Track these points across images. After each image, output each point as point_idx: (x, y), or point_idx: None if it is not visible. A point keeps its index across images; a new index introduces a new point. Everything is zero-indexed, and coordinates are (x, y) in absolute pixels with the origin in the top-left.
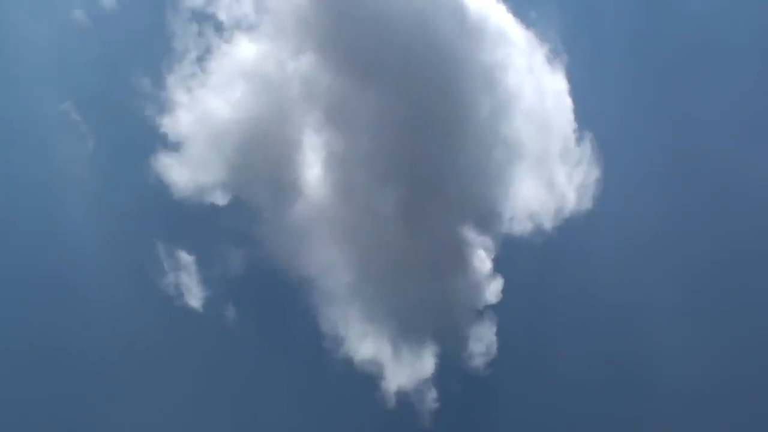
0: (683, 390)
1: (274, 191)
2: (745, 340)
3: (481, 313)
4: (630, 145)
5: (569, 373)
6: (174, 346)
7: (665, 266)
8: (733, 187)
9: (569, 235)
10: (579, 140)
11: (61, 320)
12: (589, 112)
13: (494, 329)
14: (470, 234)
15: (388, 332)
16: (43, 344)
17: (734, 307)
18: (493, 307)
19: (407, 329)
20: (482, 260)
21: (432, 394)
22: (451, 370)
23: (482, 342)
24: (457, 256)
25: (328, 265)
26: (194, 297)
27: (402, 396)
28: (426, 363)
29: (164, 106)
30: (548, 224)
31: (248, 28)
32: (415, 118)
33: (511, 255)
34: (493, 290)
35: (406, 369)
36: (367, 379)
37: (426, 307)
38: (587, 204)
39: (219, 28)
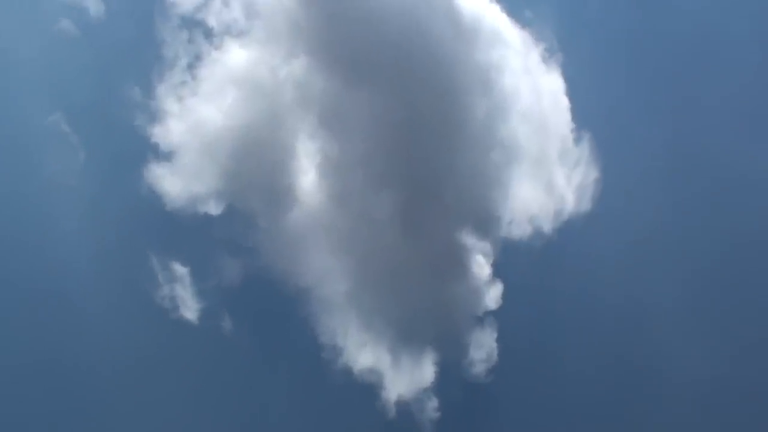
0: (689, 394)
1: (268, 199)
2: (749, 338)
3: (481, 319)
4: (628, 144)
5: (572, 379)
6: (170, 359)
7: (668, 266)
8: (734, 183)
9: (569, 237)
10: (577, 140)
11: (55, 337)
12: (586, 111)
13: (495, 335)
14: (468, 239)
15: (387, 341)
16: (37, 362)
17: (737, 305)
18: (493, 313)
19: (406, 337)
20: (481, 265)
21: (433, 403)
22: (451, 378)
23: (483, 349)
24: (456, 262)
25: (325, 273)
26: (190, 309)
27: (402, 405)
28: (426, 371)
29: (155, 115)
30: (547, 227)
31: (239, 33)
32: (411, 122)
33: (511, 259)
34: (492, 296)
35: (405, 378)
36: (367, 389)
37: (425, 315)
38: (587, 205)
39: (209, 34)
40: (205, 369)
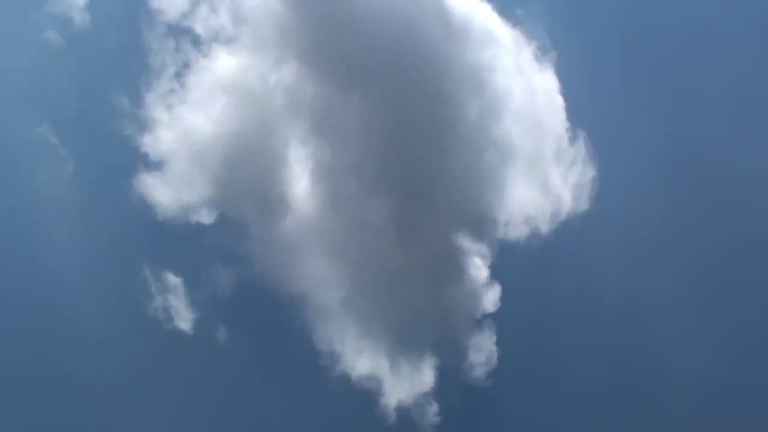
0: (689, 394)
1: (261, 206)
2: (748, 336)
3: (479, 322)
4: (624, 141)
5: (573, 380)
6: (165, 371)
7: (667, 264)
8: (731, 180)
9: (567, 237)
10: (572, 139)
11: (48, 351)
12: (581, 110)
13: (494, 338)
14: (465, 241)
15: (384, 346)
16: (31, 376)
17: (736, 303)
18: (491, 316)
19: (404, 342)
20: (478, 268)
21: (433, 408)
22: (451, 382)
23: (482, 352)
24: (453, 265)
25: (321, 279)
26: (184, 320)
27: (402, 411)
28: (425, 376)
29: (144, 125)
30: (545, 227)
31: (226, 40)
32: (403, 124)
33: (508, 261)
34: (490, 298)
35: (405, 383)
36: (366, 396)
37: (423, 319)
38: (584, 205)
39: (196, 42)
40: (201, 380)
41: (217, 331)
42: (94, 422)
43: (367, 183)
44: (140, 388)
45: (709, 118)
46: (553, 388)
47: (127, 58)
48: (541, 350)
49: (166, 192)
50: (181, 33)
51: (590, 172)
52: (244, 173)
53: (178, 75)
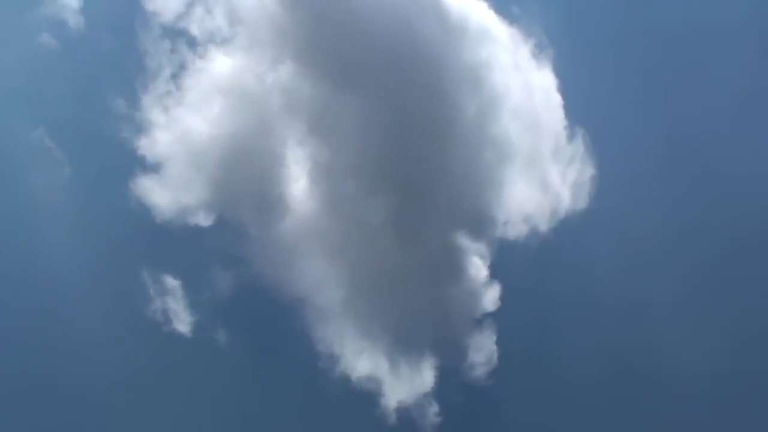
0: (690, 392)
1: (259, 208)
2: (748, 333)
3: (479, 321)
4: (623, 139)
5: (574, 379)
6: (165, 374)
7: (667, 261)
8: (730, 176)
9: (566, 235)
10: (570, 137)
11: (47, 356)
12: (579, 107)
13: (494, 338)
14: (464, 241)
15: (384, 347)
16: (30, 381)
17: (736, 300)
18: (491, 315)
19: (404, 343)
20: (478, 267)
21: (433, 408)
22: (451, 382)
23: (482, 351)
24: (452, 264)
25: (320, 280)
26: (183, 322)
27: (403, 412)
28: (425, 376)
29: (141, 127)
30: (544, 226)
31: (222, 41)
32: (401, 124)
33: (507, 260)
34: (490, 297)
35: (405, 384)
36: (366, 397)
37: (422, 319)
38: (583, 203)
39: (192, 43)
40: (200, 382)
41: (216, 333)
42: (93, 426)
43: (366, 183)
44: (140, 391)
45: (708, 114)
46: (553, 386)
47: (122, 60)
48: (542, 349)
49: (163, 194)
50: (177, 34)
51: (589, 170)
52: (242, 175)
53: (175, 77)
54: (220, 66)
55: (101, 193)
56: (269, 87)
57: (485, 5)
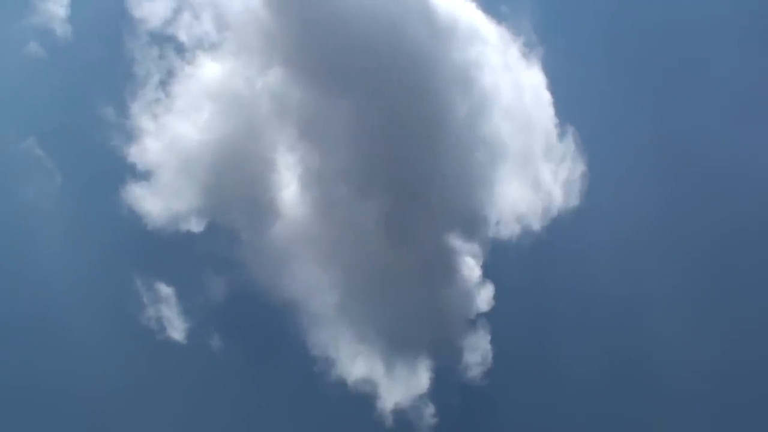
0: (687, 388)
1: (251, 213)
2: (743, 328)
3: (473, 322)
4: (614, 135)
5: (569, 377)
6: (160, 381)
7: (659, 258)
8: (720, 171)
9: (559, 234)
10: (561, 135)
11: (40, 365)
12: (569, 105)
13: (488, 338)
14: (457, 241)
15: (379, 350)
16: (24, 391)
17: (730, 295)
18: (485, 315)
19: (399, 345)
20: (471, 268)
21: (430, 410)
22: (447, 383)
23: (477, 352)
24: (445, 265)
25: (313, 285)
26: (177, 329)
27: (399, 414)
28: (421, 378)
29: (130, 135)
30: (536, 225)
31: (210, 47)
32: (391, 126)
33: (500, 260)
34: (484, 298)
35: (401, 386)
36: (363, 400)
37: (417, 321)
38: (575, 201)
39: (180, 49)
40: (196, 389)
41: (210, 339)
42: None
43: (357, 186)
44: (136, 399)
45: (698, 109)
46: (548, 385)
47: (110, 68)
48: (536, 348)
49: (154, 202)
50: (165, 41)
51: (580, 168)
52: (233, 180)
53: (163, 83)
54: (209, 72)
55: (92, 201)
56: (258, 92)
57: (473, 5)
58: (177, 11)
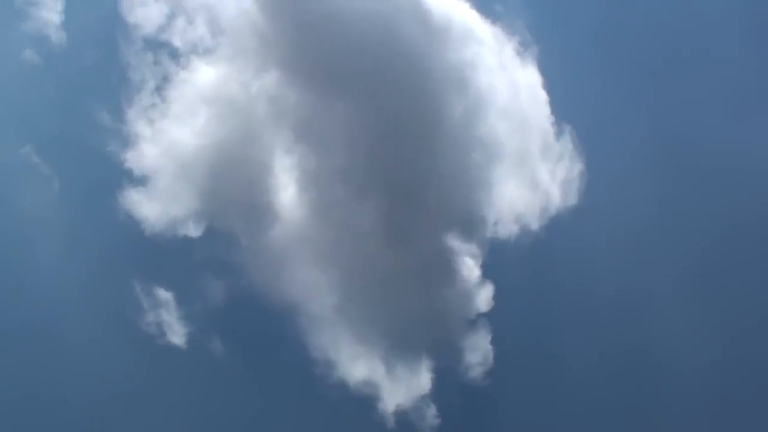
0: (690, 385)
1: (249, 217)
2: (744, 324)
3: (473, 322)
4: (611, 134)
5: (571, 376)
6: (161, 386)
7: (659, 256)
8: (719, 166)
9: (557, 233)
10: (558, 134)
11: (40, 374)
12: (565, 104)
13: (489, 338)
14: (455, 242)
15: (380, 351)
16: (23, 401)
17: (731, 291)
18: (485, 315)
19: (400, 346)
20: (470, 268)
21: (432, 411)
22: (448, 383)
23: (478, 352)
24: (444, 266)
25: (312, 287)
26: (177, 334)
27: (401, 415)
28: (422, 379)
29: (127, 140)
30: (535, 224)
31: (205, 51)
32: (388, 127)
33: (499, 260)
34: (483, 298)
35: (402, 387)
36: (364, 402)
37: (417, 322)
38: (573, 199)
39: (175, 54)
40: (197, 393)
41: (210, 343)
42: None
43: (354, 188)
44: (137, 405)
45: (695, 106)
46: (550, 384)
47: (106, 74)
48: (537, 347)
49: (152, 207)
50: (159, 46)
51: (578, 167)
52: (230, 184)
53: (159, 89)
54: (204, 76)
55: (90, 207)
56: (254, 95)
57: (467, 5)
58: (171, 17)
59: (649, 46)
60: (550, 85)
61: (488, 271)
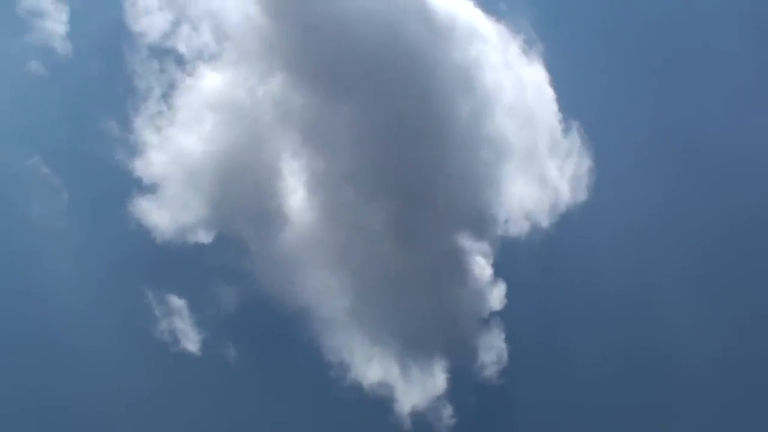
0: (704, 378)
1: (258, 222)
2: (756, 317)
3: (487, 321)
4: (619, 129)
5: (585, 372)
6: (176, 393)
7: (670, 249)
8: (728, 160)
9: (568, 229)
10: (566, 131)
11: (56, 386)
12: (572, 100)
13: (503, 336)
14: (466, 241)
15: (394, 353)
16: (40, 413)
17: (742, 284)
18: (498, 314)
19: (414, 347)
20: (482, 267)
21: (448, 411)
22: (463, 383)
23: (492, 351)
24: (456, 266)
25: (324, 290)
26: (191, 341)
27: (417, 416)
28: (437, 379)
29: (134, 149)
30: (545, 221)
31: (210, 57)
32: (395, 128)
33: (511, 258)
34: (496, 296)
35: (417, 388)
36: (380, 404)
37: (430, 322)
38: (582, 195)
39: (180, 61)
40: (212, 400)
41: (224, 349)
42: None
43: (364, 189)
44: (153, 414)
45: (703, 100)
46: (565, 381)
47: (112, 83)
48: (551, 344)
49: (162, 215)
50: (164, 54)
51: (586, 162)
52: (239, 189)
53: (165, 96)
54: (210, 82)
55: (100, 216)
56: (260, 100)
57: (471, 3)
58: (175, 24)
59: (654, 40)
60: (556, 82)
61: (500, 270)
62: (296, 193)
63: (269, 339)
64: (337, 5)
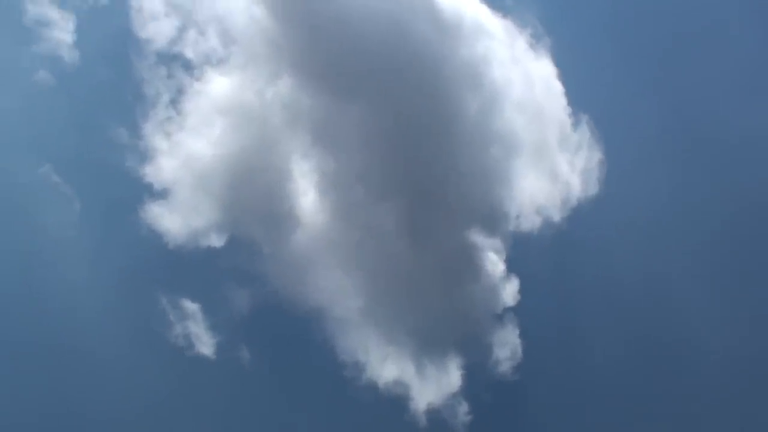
0: (721, 373)
1: (270, 224)
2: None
3: (500, 317)
4: (628, 121)
5: (600, 365)
6: (192, 397)
7: (683, 240)
8: (738, 151)
9: (580, 223)
10: (575, 125)
11: (72, 393)
12: (581, 94)
13: (517, 332)
14: (478, 237)
15: (408, 351)
16: (56, 418)
17: (757, 274)
18: (512, 309)
19: (428, 345)
20: (494, 263)
21: (463, 407)
22: (478, 379)
23: (507, 346)
24: (468, 262)
25: (337, 291)
26: (205, 345)
27: (433, 414)
28: (452, 376)
29: (145, 155)
30: (557, 215)
31: (218, 62)
32: (404, 127)
33: (523, 253)
34: (509, 292)
35: (432, 385)
36: (395, 402)
37: (444, 320)
38: (593, 189)
39: (188, 66)
40: (228, 402)
41: (239, 352)
42: None
43: (374, 189)
44: (169, 418)
45: (711, 91)
46: (580, 375)
47: (120, 90)
48: (566, 339)
49: (174, 219)
50: (172, 59)
51: (596, 156)
52: (250, 192)
53: (174, 102)
54: (218, 87)
55: (112, 223)
56: (269, 102)
57: (477, 0)
58: (182, 29)
59: (661, 32)
60: (564, 76)
61: (513, 265)
62: (307, 195)
63: (283, 341)
64: (343, 5)
